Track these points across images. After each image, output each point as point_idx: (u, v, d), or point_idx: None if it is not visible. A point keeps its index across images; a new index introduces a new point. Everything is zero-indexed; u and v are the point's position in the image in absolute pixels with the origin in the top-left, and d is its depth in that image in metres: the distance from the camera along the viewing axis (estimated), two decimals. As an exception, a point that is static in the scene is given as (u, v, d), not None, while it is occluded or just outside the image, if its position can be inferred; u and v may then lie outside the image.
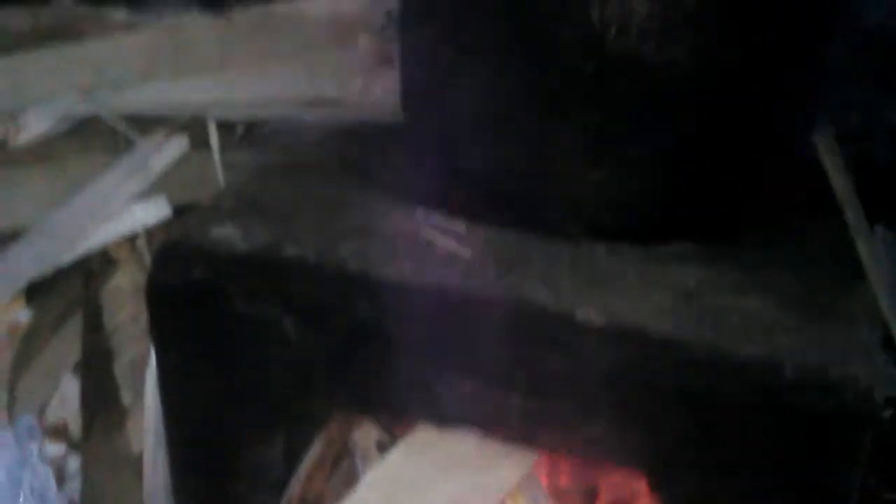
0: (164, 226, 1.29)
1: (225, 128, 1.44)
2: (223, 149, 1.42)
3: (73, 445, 1.17)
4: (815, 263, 1.04)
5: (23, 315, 1.23)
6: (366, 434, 1.10)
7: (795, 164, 1.14)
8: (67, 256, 1.18)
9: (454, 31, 1.07)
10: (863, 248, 0.92)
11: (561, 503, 1.04)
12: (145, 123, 1.28)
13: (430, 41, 1.14)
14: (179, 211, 1.32)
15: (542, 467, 1.09)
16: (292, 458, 1.05)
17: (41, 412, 1.16)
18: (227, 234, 1.04)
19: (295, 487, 1.02)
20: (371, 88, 1.42)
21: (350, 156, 1.31)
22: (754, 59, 1.01)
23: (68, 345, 1.22)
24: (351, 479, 1.06)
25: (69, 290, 1.25)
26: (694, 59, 0.98)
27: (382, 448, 1.07)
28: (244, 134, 1.51)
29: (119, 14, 1.28)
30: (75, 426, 1.19)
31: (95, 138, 1.26)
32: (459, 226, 1.10)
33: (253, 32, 1.29)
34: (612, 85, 0.99)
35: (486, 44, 1.05)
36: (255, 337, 1.01)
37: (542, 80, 1.02)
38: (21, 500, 0.84)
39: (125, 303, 1.25)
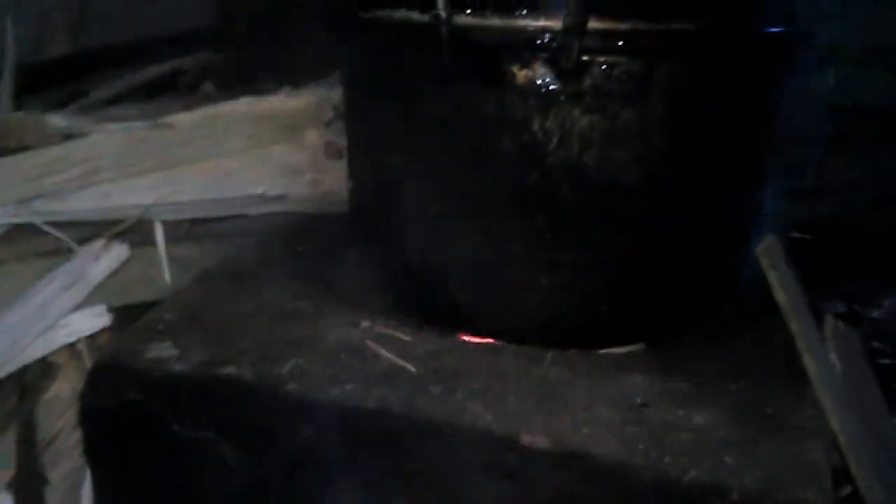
0: (107, 330, 1.26)
1: (171, 223, 1.41)
2: (170, 244, 1.40)
3: None
4: (764, 369, 1.03)
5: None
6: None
7: (743, 265, 1.14)
8: (3, 370, 1.14)
9: (399, 133, 1.07)
10: (809, 364, 0.91)
11: None
12: (87, 228, 1.25)
13: (375, 143, 1.14)
14: (126, 311, 1.29)
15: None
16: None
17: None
18: (163, 353, 1.01)
19: None
20: (320, 182, 1.41)
21: (295, 257, 1.29)
22: (697, 168, 1.01)
23: (2, 461, 1.18)
24: None
25: (4, 403, 1.21)
26: (637, 168, 0.98)
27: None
28: (190, 228, 1.49)
29: (59, 121, 1.26)
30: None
31: (33, 246, 1.23)
32: (406, 334, 1.08)
33: (196, 134, 1.28)
34: (556, 193, 0.99)
35: (430, 148, 1.04)
36: (192, 461, 0.98)
37: (487, 186, 1.02)
38: None
39: (64, 410, 1.21)
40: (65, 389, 1.23)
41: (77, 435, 1.20)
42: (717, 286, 1.14)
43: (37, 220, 1.19)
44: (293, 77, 1.89)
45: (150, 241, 1.38)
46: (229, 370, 0.98)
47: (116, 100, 1.81)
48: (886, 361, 2.00)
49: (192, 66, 2.14)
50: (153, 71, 2.01)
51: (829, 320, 1.12)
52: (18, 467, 1.14)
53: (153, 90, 1.95)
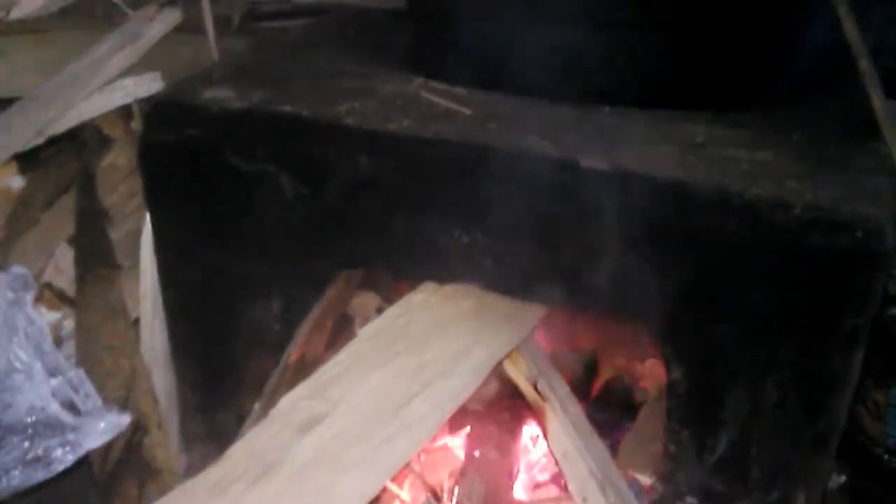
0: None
1: (221, 19, 1.41)
2: (219, 37, 1.39)
3: (69, 305, 1.16)
4: (829, 125, 1.01)
5: (15, 181, 1.21)
6: (365, 301, 1.08)
7: (813, 36, 1.10)
8: (60, 125, 1.15)
9: None
10: (877, 102, 0.89)
11: (560, 370, 1.02)
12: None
13: None
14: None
15: (541, 335, 1.08)
16: (291, 322, 1.03)
17: (36, 278, 1.14)
18: (222, 94, 1.01)
19: (293, 349, 1.01)
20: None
21: (347, 35, 1.28)
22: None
23: (63, 217, 1.20)
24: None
25: (64, 163, 1.23)
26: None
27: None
28: (240, 24, 1.48)
29: None
30: (70, 292, 1.17)
31: (91, 12, 1.22)
32: (459, 90, 1.07)
33: None
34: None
35: None
36: (251, 196, 0.99)
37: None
38: (15, 341, 0.83)
39: (121, 181, 1.23)
40: (120, 160, 1.25)
41: (134, 203, 1.23)
42: (781, 54, 1.11)
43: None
44: None
45: (200, 29, 1.37)
46: (287, 108, 0.98)
47: None
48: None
49: None
50: None
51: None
52: (79, 216, 1.17)
53: None
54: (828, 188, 0.84)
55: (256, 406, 0.97)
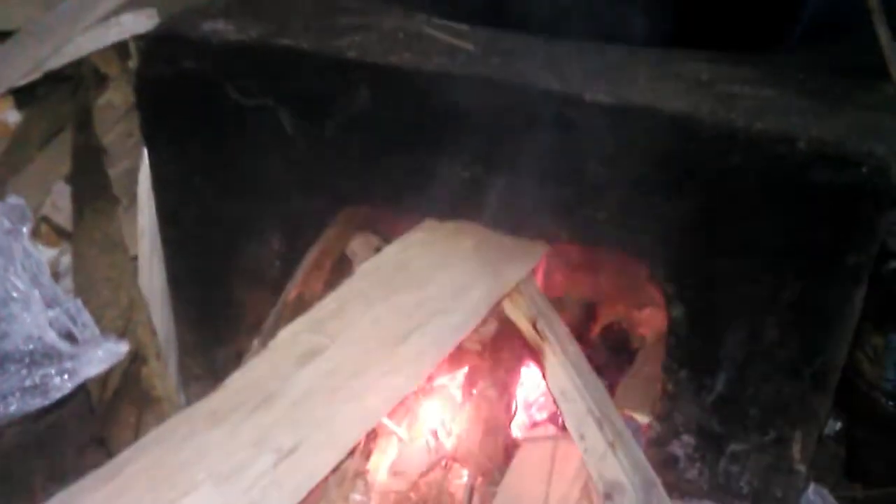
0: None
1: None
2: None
3: (67, 240, 1.15)
4: (837, 65, 1.00)
5: (11, 116, 1.20)
6: (364, 242, 1.07)
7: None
8: (57, 60, 1.13)
9: None
10: (884, 38, 0.88)
11: (559, 311, 1.02)
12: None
13: None
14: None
15: (540, 281, 1.08)
16: (290, 259, 1.02)
17: (34, 214, 1.13)
18: (220, 27, 0.99)
19: (292, 288, 1.00)
20: None
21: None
22: None
23: (60, 156, 1.19)
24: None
25: (61, 100, 1.22)
26: None
27: (381, 255, 1.05)
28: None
29: None
30: (68, 228, 1.16)
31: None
32: (461, 26, 1.05)
33: None
34: None
35: None
36: (250, 130, 0.98)
37: None
38: (12, 270, 0.82)
39: (117, 120, 1.22)
40: (117, 98, 1.24)
41: (131, 142, 1.22)
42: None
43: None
44: None
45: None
46: (287, 41, 0.96)
47: None
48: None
49: None
50: None
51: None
52: (75, 151, 1.16)
53: None
54: (833, 124, 0.83)
55: (255, 343, 0.97)
